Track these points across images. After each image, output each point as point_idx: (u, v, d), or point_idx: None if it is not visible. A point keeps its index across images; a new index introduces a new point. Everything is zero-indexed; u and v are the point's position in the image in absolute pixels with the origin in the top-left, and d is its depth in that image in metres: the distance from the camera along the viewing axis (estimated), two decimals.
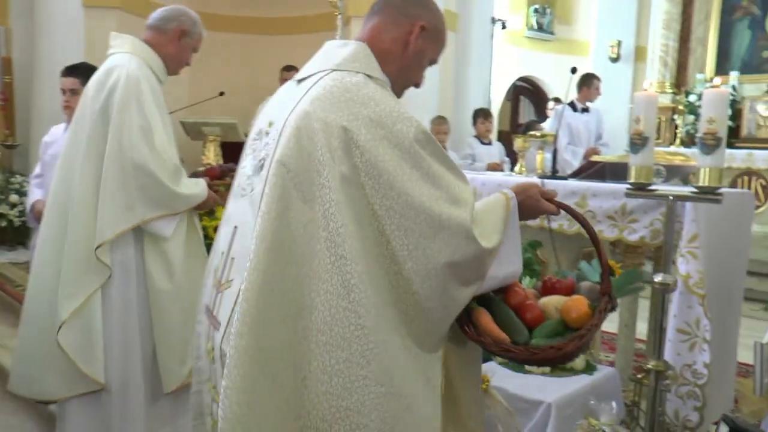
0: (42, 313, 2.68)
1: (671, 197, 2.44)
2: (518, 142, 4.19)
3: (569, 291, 1.82)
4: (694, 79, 9.12)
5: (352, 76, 1.60)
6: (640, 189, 2.47)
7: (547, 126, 7.39)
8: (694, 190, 2.37)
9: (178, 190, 2.65)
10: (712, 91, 2.39)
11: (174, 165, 2.67)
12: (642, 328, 3.58)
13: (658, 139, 8.16)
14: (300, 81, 1.69)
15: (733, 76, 8.54)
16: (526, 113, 11.64)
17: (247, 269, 1.49)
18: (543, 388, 2.68)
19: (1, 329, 4.83)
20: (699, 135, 2.35)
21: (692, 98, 8.89)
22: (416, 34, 1.72)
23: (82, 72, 3.54)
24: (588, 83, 6.99)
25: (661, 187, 2.62)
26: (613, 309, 1.70)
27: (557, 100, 8.50)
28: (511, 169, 6.67)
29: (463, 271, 1.54)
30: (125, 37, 2.78)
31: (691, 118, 8.90)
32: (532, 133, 4.37)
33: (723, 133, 2.29)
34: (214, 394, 1.66)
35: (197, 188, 2.74)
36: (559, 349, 1.60)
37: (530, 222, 1.91)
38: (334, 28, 6.20)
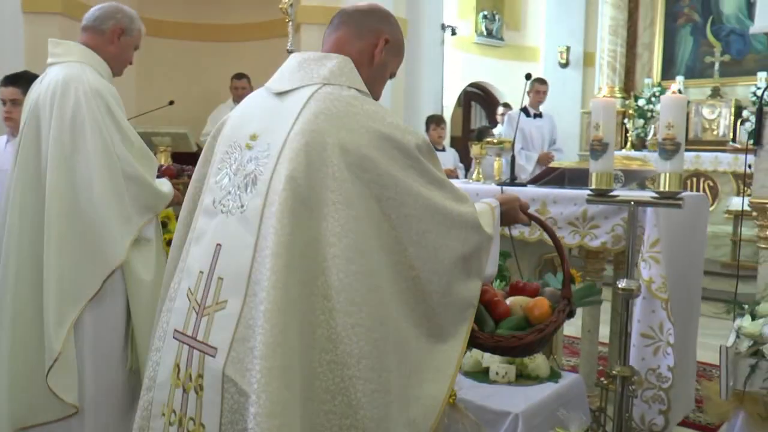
0: None
1: (633, 203, 2.44)
2: (475, 149, 4.17)
3: (534, 293, 2.01)
4: (642, 84, 9.35)
5: (345, 90, 1.62)
6: (602, 195, 2.47)
7: (497, 131, 7.42)
8: (655, 194, 2.38)
9: (159, 188, 2.65)
10: (669, 96, 2.41)
11: (150, 153, 2.68)
12: (604, 332, 3.60)
13: None
14: (281, 94, 1.66)
15: (679, 80, 8.74)
16: (478, 119, 11.72)
17: (264, 288, 1.45)
18: (509, 398, 2.65)
19: None
20: (658, 140, 2.36)
21: (641, 102, 9.11)
22: (381, 47, 1.75)
23: (24, 82, 3.36)
24: (529, 87, 6.98)
25: (622, 193, 2.63)
26: (571, 314, 1.91)
27: (506, 105, 8.55)
28: (466, 176, 6.68)
29: (468, 262, 1.66)
30: (69, 44, 2.64)
31: (641, 122, 9.11)
32: (489, 139, 4.35)
33: (681, 138, 2.31)
34: (196, 427, 1.57)
35: (166, 187, 2.73)
36: (520, 339, 1.77)
37: None
38: (284, 35, 6.11)
